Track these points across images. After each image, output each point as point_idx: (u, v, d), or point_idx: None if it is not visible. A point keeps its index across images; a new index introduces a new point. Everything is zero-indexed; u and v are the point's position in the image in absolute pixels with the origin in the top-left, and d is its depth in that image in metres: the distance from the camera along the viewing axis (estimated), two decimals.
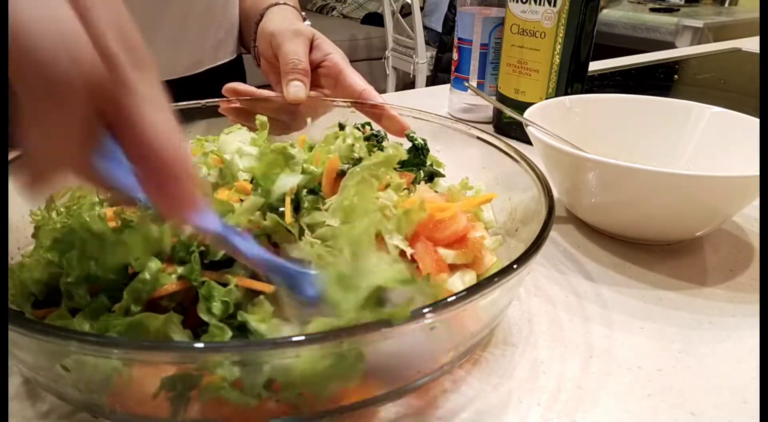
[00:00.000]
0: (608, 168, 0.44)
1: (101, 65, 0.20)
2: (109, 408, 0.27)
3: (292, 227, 0.36)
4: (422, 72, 2.75)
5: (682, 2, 2.76)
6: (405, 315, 0.24)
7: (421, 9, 2.81)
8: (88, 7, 0.21)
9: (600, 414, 0.32)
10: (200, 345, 0.24)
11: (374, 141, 0.48)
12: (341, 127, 0.50)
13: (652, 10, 2.50)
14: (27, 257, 0.35)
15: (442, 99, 0.87)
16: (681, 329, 0.40)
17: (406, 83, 3.05)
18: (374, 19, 3.47)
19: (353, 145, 0.44)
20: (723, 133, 0.55)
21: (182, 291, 0.31)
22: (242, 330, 0.30)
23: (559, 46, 0.67)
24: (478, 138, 0.48)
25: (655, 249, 0.49)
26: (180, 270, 0.31)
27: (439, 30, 2.76)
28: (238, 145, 0.45)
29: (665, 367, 0.36)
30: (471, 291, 0.27)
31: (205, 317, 0.30)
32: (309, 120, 0.58)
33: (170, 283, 0.31)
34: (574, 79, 0.69)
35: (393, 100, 0.56)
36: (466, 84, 0.78)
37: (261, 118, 0.47)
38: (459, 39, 0.79)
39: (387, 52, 2.98)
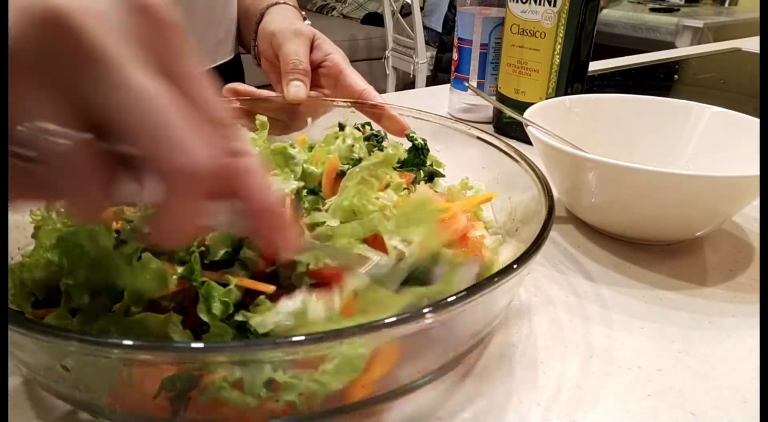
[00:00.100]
0: (608, 168, 0.44)
1: (220, 159, 0.22)
2: (109, 408, 0.27)
3: None
4: (422, 72, 2.75)
5: (682, 2, 2.76)
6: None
7: (421, 9, 2.81)
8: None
9: (600, 414, 0.32)
10: (200, 345, 0.24)
11: (374, 141, 0.48)
12: (341, 127, 0.50)
13: (652, 10, 2.50)
14: (27, 257, 0.35)
15: (442, 99, 0.87)
16: (681, 329, 0.40)
17: (406, 83, 3.04)
18: (374, 19, 3.47)
19: (353, 145, 0.44)
20: (723, 133, 0.55)
21: (182, 291, 0.31)
22: (242, 330, 0.30)
23: (559, 46, 0.66)
24: (478, 138, 0.48)
25: (655, 249, 0.49)
26: (180, 270, 0.31)
27: (439, 30, 2.76)
28: None
29: (665, 367, 0.36)
30: (471, 291, 0.27)
31: (204, 317, 0.30)
32: (309, 120, 0.58)
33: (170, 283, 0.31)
34: (574, 79, 0.69)
35: (393, 100, 0.56)
36: (466, 84, 0.78)
37: (261, 118, 0.47)
38: (459, 39, 0.79)
39: (387, 52, 2.98)
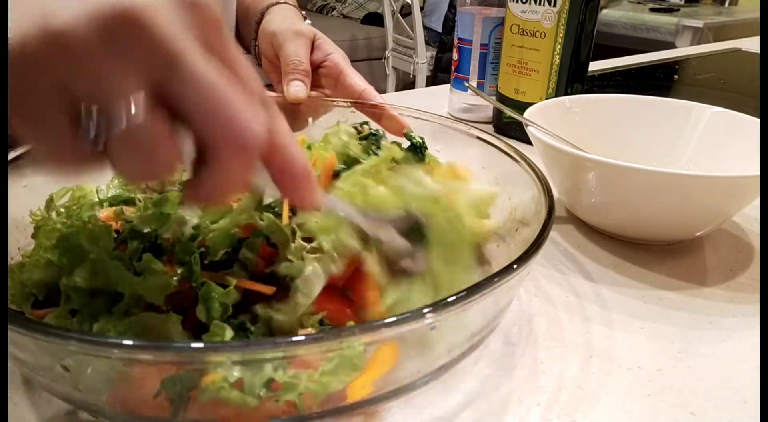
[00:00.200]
0: (608, 168, 0.44)
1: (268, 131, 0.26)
2: (109, 408, 0.27)
3: (286, 227, 0.36)
4: (422, 72, 2.75)
5: (682, 2, 2.76)
6: None
7: (421, 9, 2.81)
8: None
9: (600, 414, 0.32)
10: (200, 345, 0.24)
11: (373, 140, 0.48)
12: None
13: (652, 10, 2.50)
14: (27, 257, 0.35)
15: (442, 99, 0.87)
16: (681, 329, 0.40)
17: (406, 83, 3.04)
18: (374, 19, 3.47)
19: (347, 142, 0.44)
20: (723, 133, 0.55)
21: (182, 291, 0.31)
22: (242, 330, 0.30)
23: (559, 46, 0.67)
24: (478, 138, 0.48)
25: (655, 249, 0.49)
26: (180, 270, 0.31)
27: (439, 30, 2.76)
28: None
29: (665, 367, 0.36)
30: (471, 291, 0.27)
31: (204, 318, 0.30)
32: (309, 120, 0.58)
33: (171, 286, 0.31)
34: (574, 79, 0.69)
35: (393, 100, 0.56)
36: (466, 84, 0.78)
37: None
38: (459, 39, 0.79)
39: (387, 52, 2.98)
